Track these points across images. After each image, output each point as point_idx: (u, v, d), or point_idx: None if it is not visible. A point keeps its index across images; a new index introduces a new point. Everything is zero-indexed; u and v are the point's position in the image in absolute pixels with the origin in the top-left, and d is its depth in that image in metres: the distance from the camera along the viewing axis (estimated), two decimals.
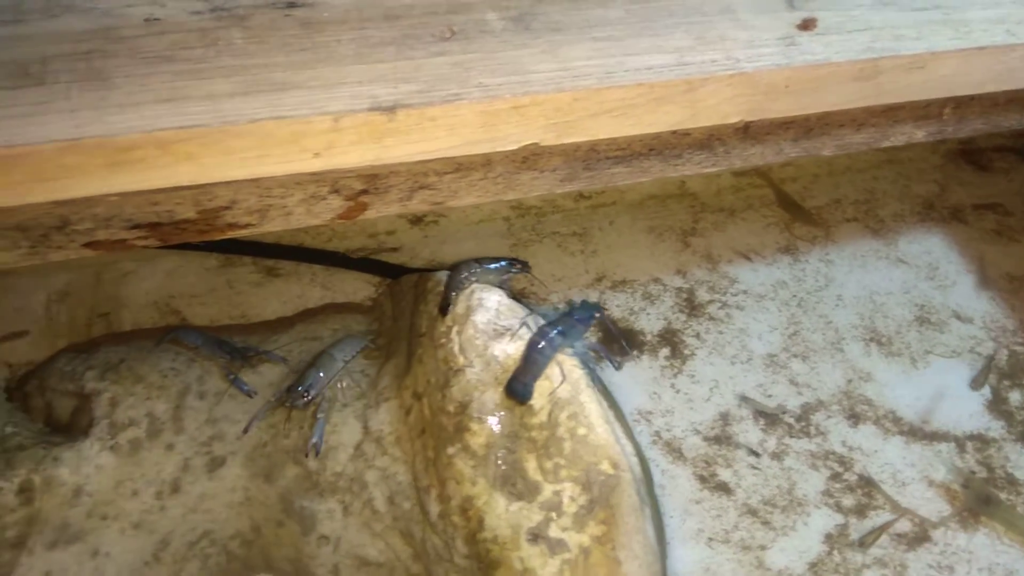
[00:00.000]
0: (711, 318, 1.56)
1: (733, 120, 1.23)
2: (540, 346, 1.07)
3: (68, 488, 1.13)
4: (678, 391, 1.45)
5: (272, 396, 1.27)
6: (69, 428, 1.24)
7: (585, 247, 1.69)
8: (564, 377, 1.08)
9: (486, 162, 1.19)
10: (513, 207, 1.77)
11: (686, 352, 1.51)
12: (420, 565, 1.15)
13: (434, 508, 1.14)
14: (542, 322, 1.13)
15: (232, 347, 1.34)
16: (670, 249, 1.69)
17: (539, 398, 1.10)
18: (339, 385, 1.29)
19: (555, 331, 1.09)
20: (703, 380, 1.47)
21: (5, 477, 1.12)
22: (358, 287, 1.62)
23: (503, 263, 1.28)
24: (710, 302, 1.59)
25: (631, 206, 1.78)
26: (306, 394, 1.23)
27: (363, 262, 1.62)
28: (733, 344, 1.52)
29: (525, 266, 1.31)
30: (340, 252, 1.64)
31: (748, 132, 1.29)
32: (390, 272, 1.61)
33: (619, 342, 1.41)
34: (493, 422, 1.10)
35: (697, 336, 1.53)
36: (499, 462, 1.09)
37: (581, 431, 1.07)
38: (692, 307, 1.58)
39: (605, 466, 1.05)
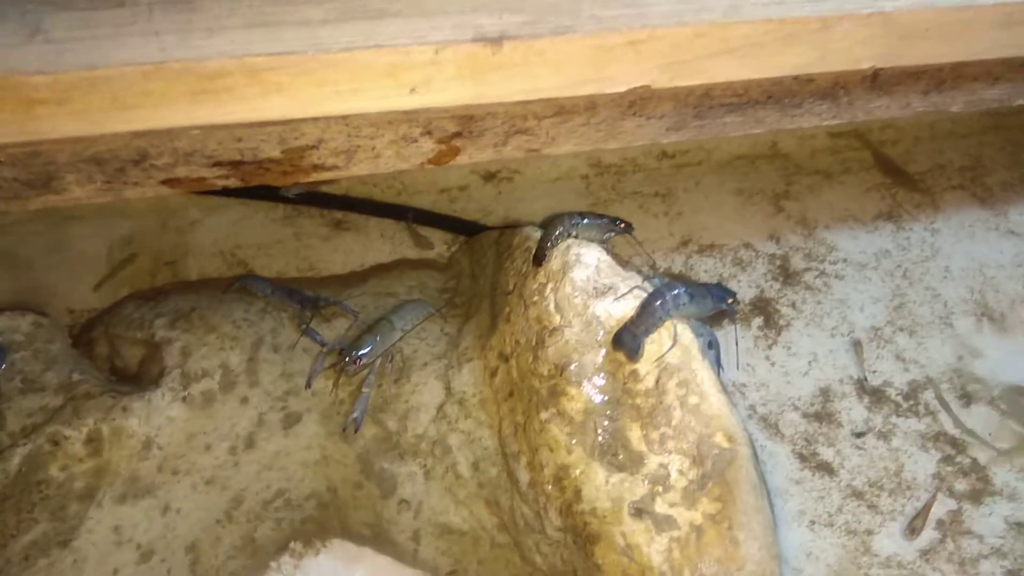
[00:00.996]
0: (808, 287, 1.46)
1: (864, 66, 1.11)
2: (662, 300, 0.98)
3: (138, 440, 1.08)
4: (773, 363, 1.36)
5: (325, 348, 1.20)
6: (137, 377, 1.19)
7: (669, 208, 1.59)
8: (675, 341, 0.99)
9: (590, 106, 1.09)
10: (592, 164, 1.67)
11: (781, 323, 1.41)
12: (507, 536, 1.08)
13: (524, 476, 1.06)
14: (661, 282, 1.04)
15: (303, 296, 1.27)
16: (761, 213, 1.58)
17: (645, 363, 1.01)
18: (389, 360, 1.19)
19: (683, 290, 1.00)
20: (800, 353, 1.37)
21: (73, 426, 1.06)
22: (431, 243, 1.54)
23: (605, 220, 1.18)
24: (806, 270, 1.48)
25: (718, 166, 1.67)
26: (357, 360, 1.15)
27: (439, 218, 1.54)
28: (832, 315, 1.42)
29: (629, 227, 1.21)
30: (414, 207, 1.56)
31: (876, 81, 1.17)
32: (465, 229, 1.53)
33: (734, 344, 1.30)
34: (593, 387, 1.02)
35: (793, 306, 1.43)
36: (599, 430, 1.01)
37: (692, 400, 0.98)
38: (787, 275, 1.47)
39: (719, 439, 0.96)
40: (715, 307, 1.05)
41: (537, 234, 1.21)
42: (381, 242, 1.54)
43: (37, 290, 1.41)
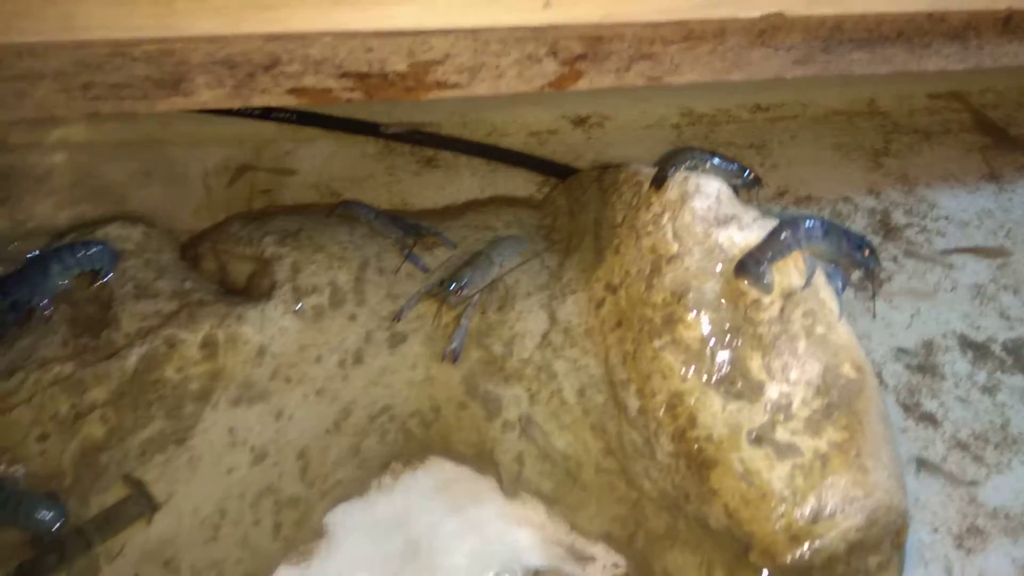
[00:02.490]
0: (910, 242, 1.43)
1: (1000, 6, 1.08)
2: (794, 229, 0.97)
3: (252, 347, 1.09)
4: (874, 315, 1.33)
5: (423, 287, 1.20)
6: (245, 292, 1.20)
7: (764, 160, 1.57)
8: (807, 277, 0.98)
9: (719, 32, 1.08)
10: (683, 114, 1.65)
11: (882, 276, 1.38)
12: (612, 460, 1.08)
13: (633, 403, 1.05)
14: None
15: (405, 223, 1.27)
16: (860, 168, 1.55)
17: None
18: (492, 292, 1.19)
19: (818, 223, 0.98)
20: (902, 307, 1.35)
21: (189, 330, 1.07)
22: (519, 184, 1.53)
23: (736, 166, 1.15)
24: (907, 225, 1.45)
25: (814, 121, 1.64)
26: (459, 291, 1.15)
27: (531, 159, 1.53)
28: (935, 271, 1.39)
29: (757, 180, 1.17)
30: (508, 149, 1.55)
31: (1009, 24, 1.14)
32: (556, 171, 1.52)
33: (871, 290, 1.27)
34: (712, 315, 1.01)
35: (894, 260, 1.40)
36: (716, 358, 1.00)
37: (819, 329, 0.96)
38: (888, 229, 1.45)
39: (847, 369, 0.95)
40: (849, 253, 1.02)
41: (647, 170, 1.20)
42: (471, 180, 1.54)
43: (138, 211, 1.43)
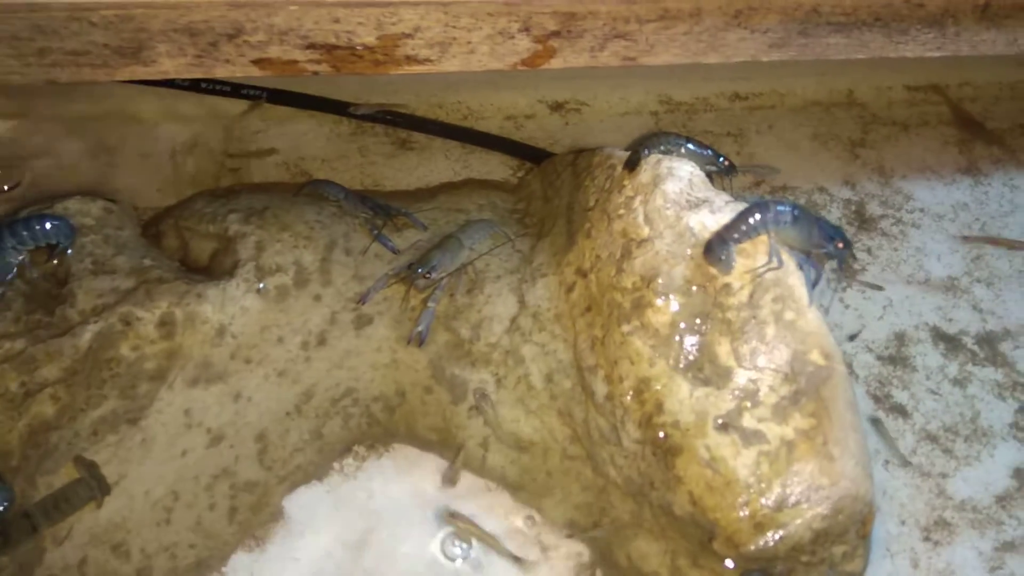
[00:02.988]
0: (884, 234, 1.42)
1: None
2: (763, 211, 0.95)
3: (211, 326, 1.06)
4: (847, 306, 1.33)
5: (391, 270, 1.17)
6: (208, 270, 1.17)
7: (741, 149, 1.56)
8: (772, 258, 0.96)
9: (695, 12, 1.06)
10: (662, 101, 1.63)
11: (856, 267, 1.37)
12: (579, 447, 1.06)
13: (600, 388, 1.04)
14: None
15: (375, 203, 1.25)
16: (837, 159, 1.54)
17: (739, 276, 0.98)
18: (460, 275, 1.16)
19: (789, 208, 0.96)
20: (875, 297, 1.34)
21: (145, 308, 1.05)
22: (493, 167, 1.51)
23: (710, 152, 1.14)
24: (883, 217, 1.44)
25: (792, 111, 1.63)
26: (428, 275, 1.13)
27: (507, 143, 1.51)
28: (909, 263, 1.38)
29: (732, 167, 1.15)
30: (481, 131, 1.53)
31: (987, 12, 1.13)
32: (531, 155, 1.50)
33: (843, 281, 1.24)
34: (681, 299, 0.99)
35: (868, 251, 1.40)
36: (685, 343, 0.98)
37: (788, 315, 0.95)
38: (862, 220, 1.44)
39: (815, 356, 0.93)
40: (820, 243, 0.99)
41: (620, 153, 1.18)
42: (445, 162, 1.51)
43: (101, 187, 1.39)
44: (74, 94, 1.46)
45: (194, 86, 1.45)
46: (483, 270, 1.19)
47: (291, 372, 1.09)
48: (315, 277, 1.14)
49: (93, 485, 0.96)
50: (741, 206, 1.00)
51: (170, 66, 1.01)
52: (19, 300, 1.08)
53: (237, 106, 1.52)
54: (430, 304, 1.13)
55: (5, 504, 0.92)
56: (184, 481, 1.01)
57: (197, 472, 1.02)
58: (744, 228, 0.95)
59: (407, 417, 1.12)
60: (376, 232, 1.21)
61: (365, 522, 1.09)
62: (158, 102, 1.49)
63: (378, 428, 1.13)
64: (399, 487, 1.12)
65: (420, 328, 1.12)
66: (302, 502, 1.10)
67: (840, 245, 1.00)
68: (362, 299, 1.15)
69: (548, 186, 1.33)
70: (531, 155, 1.50)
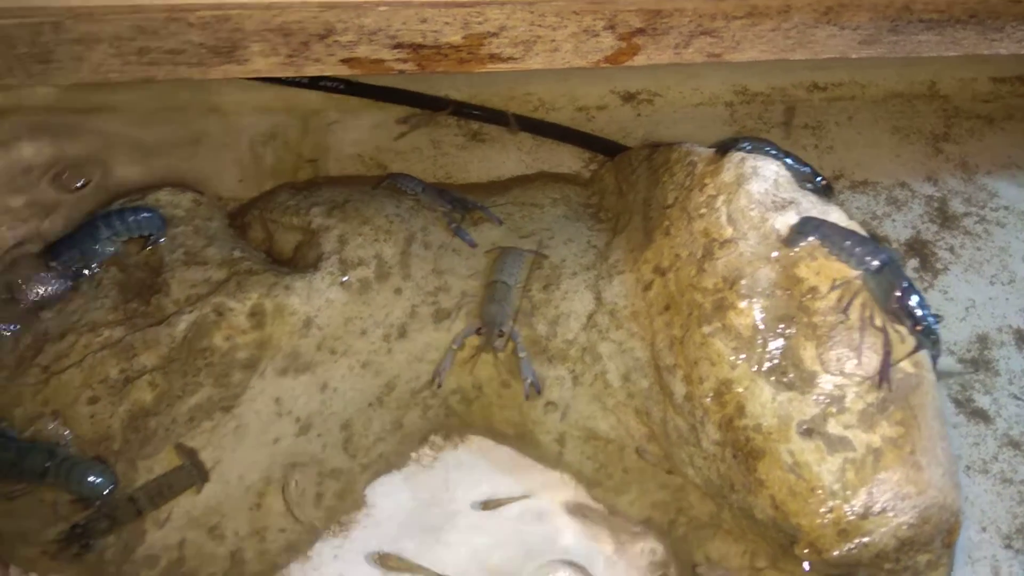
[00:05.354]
0: (967, 232, 1.38)
1: None
2: (860, 247, 0.94)
3: (299, 318, 1.09)
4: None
5: (454, 344, 1.13)
6: (291, 262, 1.20)
7: (819, 142, 1.52)
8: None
9: (784, 8, 1.04)
10: (737, 92, 1.61)
11: (938, 266, 1.34)
12: (656, 446, 1.07)
13: (679, 389, 1.04)
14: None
15: (453, 197, 1.26)
16: (918, 153, 1.50)
17: (827, 280, 0.97)
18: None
19: (878, 256, 0.93)
20: (957, 298, 1.31)
21: (237, 299, 1.08)
22: (564, 159, 1.51)
23: (808, 169, 1.10)
24: (966, 215, 1.40)
25: (872, 103, 1.59)
26: (501, 333, 1.10)
27: (583, 136, 1.50)
28: (993, 263, 1.35)
29: (829, 188, 1.11)
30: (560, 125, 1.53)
31: None
32: (604, 148, 1.49)
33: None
34: (765, 302, 0.99)
35: (951, 250, 1.36)
36: (768, 347, 0.98)
37: (879, 321, 0.94)
38: (945, 218, 1.40)
39: (904, 362, 0.92)
40: (897, 311, 0.94)
41: (701, 149, 1.17)
42: (517, 154, 1.51)
43: (184, 178, 1.43)
44: (153, 86, 1.50)
45: (274, 78, 1.48)
46: (559, 266, 1.20)
47: (374, 364, 1.12)
48: (395, 271, 1.16)
49: (194, 472, 1.00)
50: (831, 209, 0.99)
51: (263, 65, 1.03)
52: (115, 289, 1.12)
53: (313, 98, 1.54)
54: (521, 354, 1.11)
55: (110, 487, 0.97)
56: (275, 468, 1.05)
57: (287, 459, 1.06)
58: (839, 243, 0.94)
59: (484, 410, 1.14)
60: (455, 226, 1.23)
61: (443, 511, 1.12)
62: (236, 94, 1.52)
63: (455, 419, 1.16)
64: (474, 478, 1.15)
65: (530, 379, 1.10)
66: (382, 490, 1.13)
67: (919, 328, 0.93)
68: (437, 379, 1.13)
69: (623, 180, 1.32)
70: (603, 148, 1.49)
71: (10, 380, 1.04)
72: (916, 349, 0.93)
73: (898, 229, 1.39)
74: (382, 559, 1.06)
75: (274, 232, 1.24)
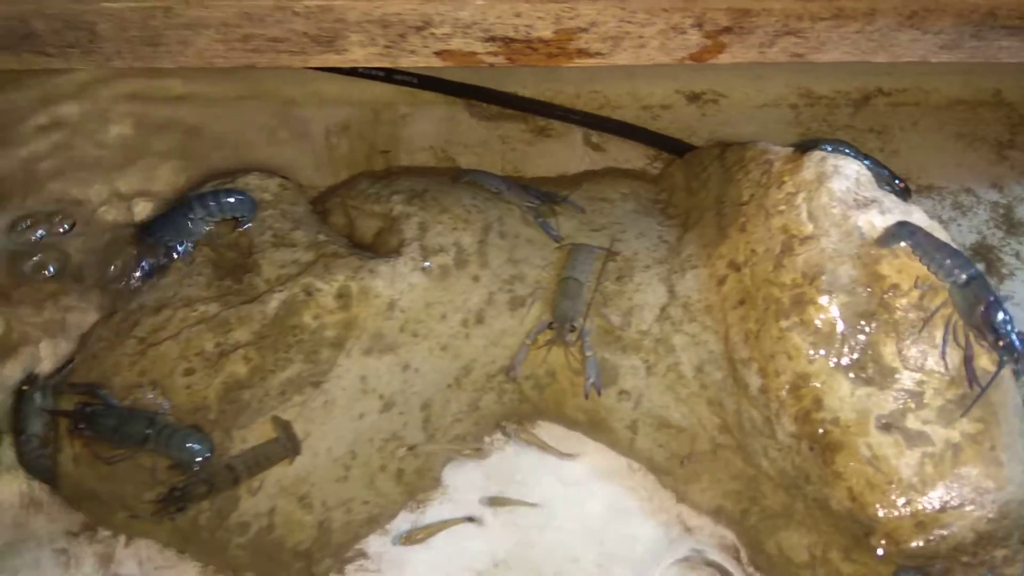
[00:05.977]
0: None
1: None
2: (952, 259, 0.96)
3: (383, 300, 1.12)
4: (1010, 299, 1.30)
5: (528, 339, 1.16)
6: (372, 247, 1.23)
7: (884, 145, 1.54)
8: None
9: (869, 12, 1.06)
10: (802, 94, 1.62)
11: (1003, 271, 1.35)
12: (729, 437, 1.09)
13: (754, 381, 1.06)
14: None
15: (537, 192, 1.29)
16: (983, 160, 1.51)
17: (908, 277, 0.98)
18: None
19: (965, 270, 0.95)
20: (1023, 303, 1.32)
21: (324, 280, 1.12)
22: (630, 156, 1.53)
23: (886, 172, 1.12)
24: None
25: (936, 109, 1.59)
26: (572, 327, 1.13)
27: (649, 134, 1.53)
28: None
29: (907, 191, 1.12)
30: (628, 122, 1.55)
31: None
32: (670, 146, 1.52)
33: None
34: (845, 298, 1.01)
35: (1017, 256, 1.37)
36: (847, 342, 1.00)
37: (962, 335, 0.95)
38: (1011, 224, 1.41)
39: (984, 360, 0.94)
40: (981, 325, 0.94)
41: (776, 148, 1.19)
42: (583, 150, 1.54)
43: (265, 165, 1.47)
44: (234, 75, 1.55)
45: (351, 70, 1.52)
46: (631, 259, 1.23)
47: (452, 347, 1.15)
48: (473, 259, 1.20)
49: (288, 444, 1.04)
50: (913, 210, 1.00)
51: (360, 55, 1.07)
52: (208, 267, 1.17)
53: (385, 91, 1.58)
54: (588, 352, 1.13)
55: (208, 454, 1.01)
56: (360, 442, 1.09)
57: (372, 435, 1.09)
58: (930, 252, 0.96)
59: (556, 396, 1.17)
60: (541, 220, 1.25)
61: (514, 494, 1.15)
62: (311, 85, 1.56)
63: (528, 405, 1.19)
64: (546, 463, 1.18)
65: (592, 379, 1.12)
66: (457, 471, 1.17)
67: (1001, 344, 0.93)
68: (512, 371, 1.15)
69: (693, 178, 1.35)
70: (669, 146, 1.52)
71: (108, 350, 1.09)
72: (1000, 367, 0.93)
73: (963, 234, 1.40)
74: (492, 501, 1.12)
75: (355, 218, 1.28)
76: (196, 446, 1.00)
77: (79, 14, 1.01)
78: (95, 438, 1.00)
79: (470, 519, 1.13)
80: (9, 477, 1.12)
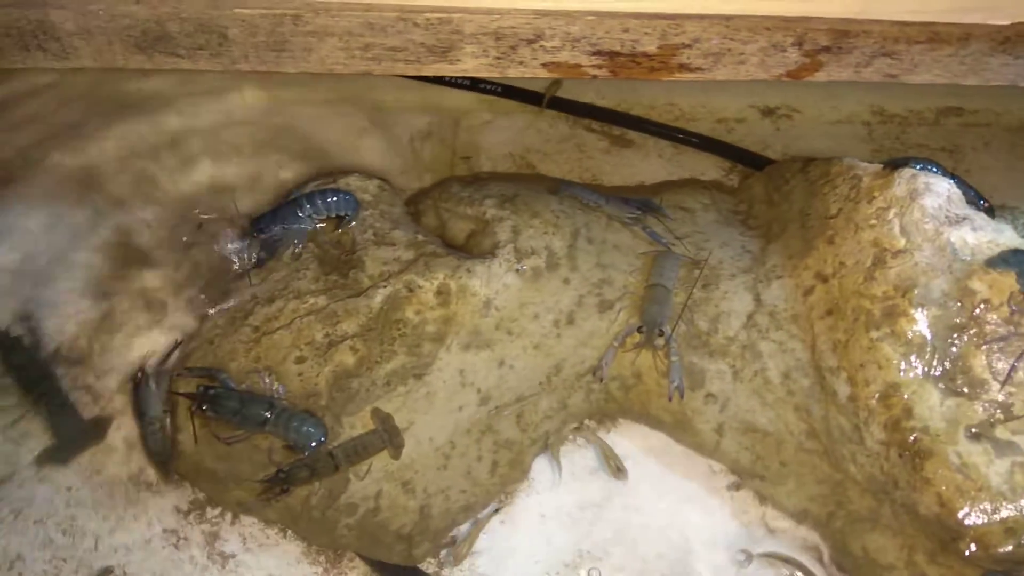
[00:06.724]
0: None
1: None
2: None
3: (480, 299, 1.17)
4: None
5: (616, 342, 1.20)
6: (464, 248, 1.29)
7: (957, 165, 1.56)
8: None
9: (964, 36, 1.10)
10: (874, 112, 1.65)
11: None
12: (815, 442, 1.13)
13: (843, 389, 1.10)
14: None
15: (638, 202, 1.32)
16: None
17: (1000, 293, 1.02)
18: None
19: None
20: None
21: (425, 277, 1.17)
22: (705, 168, 1.57)
23: (972, 192, 1.15)
24: None
25: (1008, 130, 1.62)
26: (662, 332, 1.16)
27: (727, 147, 1.57)
28: None
29: (992, 211, 1.15)
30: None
31: None
32: (746, 160, 1.56)
33: None
34: (937, 311, 1.04)
35: None
36: (937, 353, 1.03)
37: None
38: None
39: None
40: None
41: (864, 165, 1.23)
42: (659, 161, 1.58)
43: (358, 167, 1.53)
44: (319, 82, 1.61)
45: (437, 79, 1.57)
46: (716, 267, 1.27)
47: (544, 346, 1.20)
48: (564, 262, 1.24)
49: (386, 436, 1.09)
50: (1004, 227, 1.04)
51: (471, 65, 1.13)
52: (315, 262, 1.23)
53: (467, 98, 1.63)
54: (673, 358, 1.16)
55: (322, 439, 1.06)
56: (459, 433, 1.14)
57: (469, 426, 1.14)
58: None
59: (641, 397, 1.21)
60: (649, 230, 1.28)
61: (601, 490, 1.20)
62: (397, 92, 1.62)
63: (613, 405, 1.23)
64: (629, 462, 1.22)
65: (676, 383, 1.15)
66: (543, 466, 1.21)
67: None
68: (599, 372, 1.19)
69: (774, 191, 1.38)
70: (746, 159, 1.56)
71: (224, 337, 1.15)
72: None
73: None
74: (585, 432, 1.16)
75: (447, 220, 1.33)
76: (312, 430, 1.06)
77: (213, 18, 1.08)
78: (216, 419, 1.06)
79: (496, 510, 1.16)
80: (122, 457, 1.18)
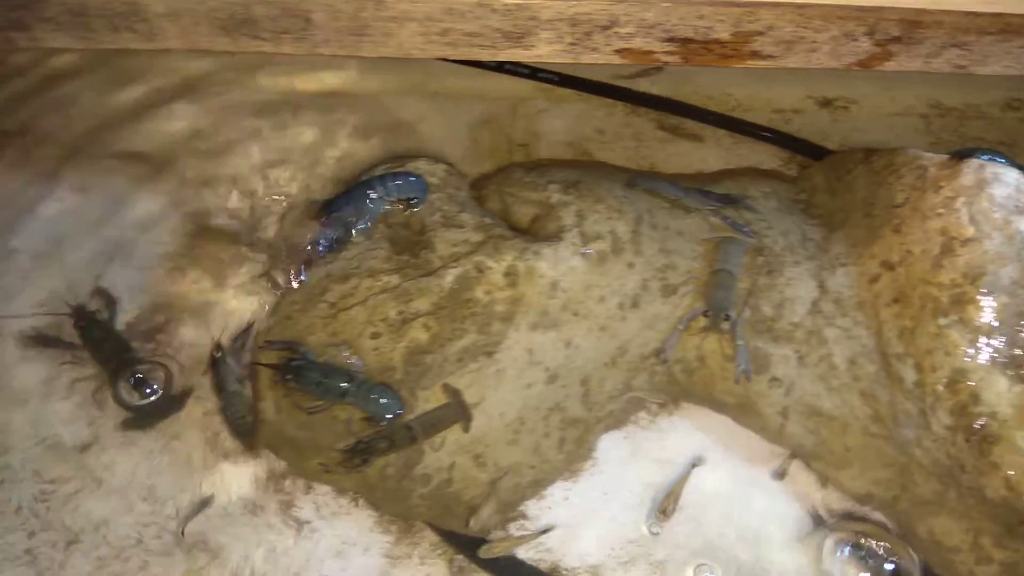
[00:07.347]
0: None
1: None
2: None
3: (547, 281, 1.20)
4: None
5: (681, 324, 1.22)
6: (528, 232, 1.31)
7: (1014, 159, 1.55)
8: None
9: None
10: (932, 105, 1.65)
11: None
12: (880, 427, 1.14)
13: (909, 375, 1.11)
14: None
15: (717, 195, 1.33)
16: None
17: None
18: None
19: None
20: None
21: (494, 259, 1.20)
22: (763, 158, 1.58)
23: None
24: None
25: None
26: (727, 317, 1.18)
27: (785, 137, 1.58)
28: None
29: None
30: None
31: None
32: (805, 150, 1.57)
33: None
34: (1006, 299, 1.05)
35: None
36: (1006, 341, 1.04)
37: None
38: None
39: None
40: None
41: (929, 155, 1.24)
42: (717, 150, 1.59)
43: (421, 152, 1.56)
44: (381, 68, 1.64)
45: (497, 67, 1.60)
46: (780, 254, 1.28)
47: (610, 328, 1.22)
48: (628, 247, 1.27)
49: (458, 410, 1.13)
50: None
51: (545, 51, 1.16)
52: (386, 243, 1.26)
53: (524, 86, 1.65)
54: (739, 342, 1.18)
55: (399, 411, 1.10)
56: (528, 410, 1.17)
57: (537, 404, 1.17)
58: None
59: (705, 380, 1.23)
60: (731, 222, 1.29)
61: (661, 470, 1.22)
62: (455, 79, 1.64)
63: (676, 388, 1.25)
64: (691, 443, 1.24)
65: (742, 366, 1.18)
66: (607, 445, 1.24)
67: None
68: (664, 354, 1.21)
69: (835, 180, 1.39)
70: (805, 149, 1.57)
71: (302, 313, 1.19)
72: None
73: None
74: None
75: (510, 204, 1.36)
76: (391, 402, 1.09)
77: (298, 2, 1.11)
78: (298, 389, 1.10)
79: (545, 531, 1.15)
80: (200, 429, 1.23)
